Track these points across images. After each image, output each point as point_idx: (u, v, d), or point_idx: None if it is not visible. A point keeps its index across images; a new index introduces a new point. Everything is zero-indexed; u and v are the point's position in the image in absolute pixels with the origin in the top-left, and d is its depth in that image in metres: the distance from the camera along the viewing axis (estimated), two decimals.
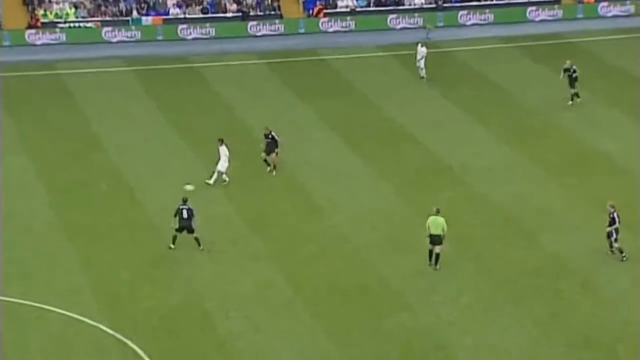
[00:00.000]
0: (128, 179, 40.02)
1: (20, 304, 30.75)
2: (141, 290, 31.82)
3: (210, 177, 38.85)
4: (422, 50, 51.27)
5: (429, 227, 32.76)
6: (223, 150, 39.02)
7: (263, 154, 40.09)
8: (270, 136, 40.19)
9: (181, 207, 33.88)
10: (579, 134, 44.58)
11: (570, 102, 46.93)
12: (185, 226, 33.82)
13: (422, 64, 51.00)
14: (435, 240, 32.67)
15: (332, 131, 44.92)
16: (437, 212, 32.89)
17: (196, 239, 34.13)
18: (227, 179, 39.01)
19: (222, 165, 38.88)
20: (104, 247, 34.55)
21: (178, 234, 34.02)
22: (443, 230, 32.57)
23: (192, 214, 33.87)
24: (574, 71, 46.55)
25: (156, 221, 36.18)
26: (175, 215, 33.86)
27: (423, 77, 51.14)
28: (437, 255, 32.84)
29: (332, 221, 36.64)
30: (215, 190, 38.63)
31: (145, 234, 35.52)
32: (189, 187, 35.10)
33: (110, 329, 29.51)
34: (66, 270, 32.94)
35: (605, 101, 48.38)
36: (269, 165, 40.03)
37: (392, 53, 56.70)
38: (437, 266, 32.91)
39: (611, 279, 32.31)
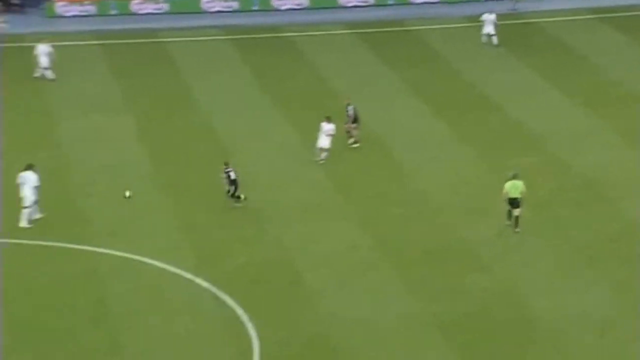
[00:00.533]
0: (223, 140, 40.58)
1: (124, 257, 31.62)
2: (234, 248, 32.41)
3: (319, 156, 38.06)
4: (490, 18, 51.12)
5: (507, 190, 32.69)
6: (329, 127, 37.71)
7: (346, 126, 39.60)
8: (349, 109, 39.45)
9: (226, 170, 34.28)
10: None
11: None
12: (231, 187, 34.14)
13: (491, 30, 50.94)
14: (514, 203, 32.60)
15: (417, 98, 44.85)
16: (515, 177, 32.78)
17: (237, 197, 34.28)
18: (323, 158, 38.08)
19: (324, 142, 37.82)
20: (200, 205, 35.18)
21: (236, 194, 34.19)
22: (521, 193, 32.48)
23: (236, 175, 34.13)
24: None
25: (248, 180, 36.67)
26: (226, 179, 34.20)
27: (497, 44, 50.74)
28: (517, 218, 32.77)
29: (416, 185, 36.73)
30: (305, 156, 38.93)
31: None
32: (128, 194, 34.64)
33: (207, 283, 30.15)
34: (165, 227, 33.71)
35: None
36: (350, 137, 39.51)
37: (478, 24, 56.03)
38: (518, 229, 32.81)
39: None
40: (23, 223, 33.13)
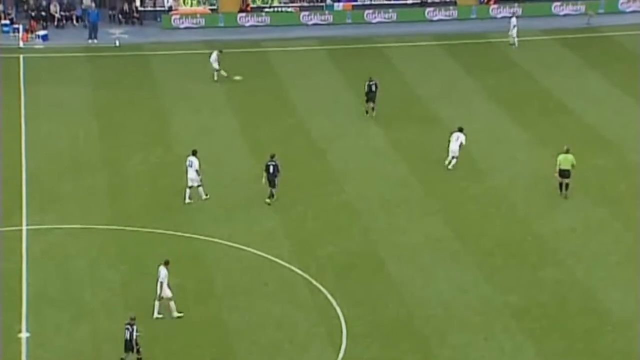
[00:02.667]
0: (316, 138, 40.23)
1: (226, 245, 31.47)
2: (325, 237, 32.00)
3: (449, 163, 36.93)
4: (512, 21, 51.46)
5: (560, 162, 33.39)
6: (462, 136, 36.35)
7: None
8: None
9: (268, 162, 33.57)
10: None
11: None
12: (270, 180, 33.37)
13: (514, 33, 50.94)
14: (565, 174, 33.46)
15: (497, 102, 43.75)
16: (567, 151, 33.62)
17: (272, 194, 33.40)
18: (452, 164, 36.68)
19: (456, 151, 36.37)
20: (295, 197, 34.85)
21: (270, 189, 33.47)
22: (572, 165, 33.38)
23: (277, 170, 33.38)
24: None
25: (338, 176, 36.25)
26: (265, 171, 33.50)
27: (513, 44, 50.53)
28: (567, 185, 33.45)
29: (494, 182, 35.79)
30: (391, 155, 38.30)
31: (329, 187, 35.66)
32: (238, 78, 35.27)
33: (300, 269, 29.81)
34: (264, 217, 33.43)
35: None
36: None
37: (554, 37, 54.68)
38: (567, 192, 33.41)
39: None
40: (186, 200, 33.81)
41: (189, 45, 53.27)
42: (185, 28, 57.01)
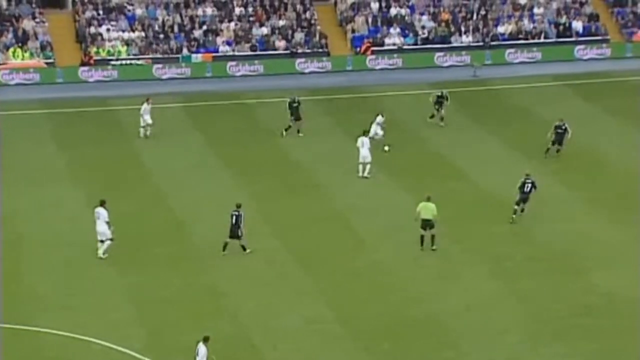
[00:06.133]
0: (175, 208, 40.07)
1: (68, 337, 30.71)
2: (187, 323, 31.68)
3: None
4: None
5: (419, 212, 35.37)
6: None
7: None
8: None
9: (232, 212, 35.01)
10: (629, 168, 43.96)
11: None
12: (233, 231, 34.95)
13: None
14: (427, 224, 35.27)
15: (378, 165, 44.55)
16: (428, 199, 35.55)
17: (242, 246, 35.37)
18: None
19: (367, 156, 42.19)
20: (150, 279, 34.48)
21: (229, 241, 35.07)
22: (433, 215, 35.17)
23: (240, 220, 34.93)
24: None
25: (202, 253, 36.12)
26: (230, 220, 35.17)
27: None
28: (432, 237, 35.48)
29: (378, 254, 36.35)
30: (261, 227, 38.51)
31: (191, 265, 35.46)
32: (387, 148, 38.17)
33: None
34: (113, 303, 32.89)
35: None
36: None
37: (439, 90, 56.48)
38: (434, 246, 35.38)
39: None
40: (101, 254, 35.39)
41: (22, 105, 52.44)
42: (17, 84, 56.18)
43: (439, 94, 49.57)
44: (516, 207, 38.70)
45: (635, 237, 37.32)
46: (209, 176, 44.13)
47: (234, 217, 35.33)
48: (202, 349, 27.79)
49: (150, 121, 47.83)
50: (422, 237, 35.97)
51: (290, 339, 30.70)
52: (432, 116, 49.63)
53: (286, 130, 48.43)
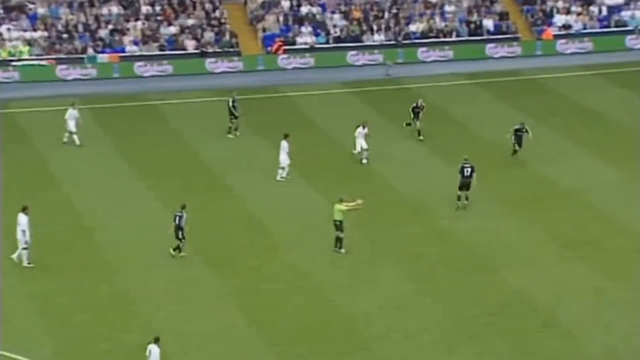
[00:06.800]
0: (83, 214, 39.91)
1: None
2: (97, 332, 31.64)
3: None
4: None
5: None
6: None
7: None
8: None
9: (176, 213, 35.88)
10: (540, 169, 45.14)
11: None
12: (175, 232, 35.76)
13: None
14: (335, 225, 36.20)
15: (293, 165, 44.99)
16: (341, 201, 36.27)
17: (178, 247, 35.74)
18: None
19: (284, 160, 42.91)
20: (57, 286, 34.33)
21: (176, 241, 35.91)
22: (339, 216, 35.91)
23: (180, 220, 35.62)
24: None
25: (110, 258, 36.09)
26: (173, 221, 35.76)
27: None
28: (338, 238, 36.33)
29: (290, 258, 36.73)
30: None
31: (99, 272, 35.40)
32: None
33: None
34: (18, 312, 32.68)
35: (564, 136, 49.10)
36: None
37: (352, 89, 57.20)
38: (342, 249, 36.42)
39: (575, 316, 32.62)
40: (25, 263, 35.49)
41: None
42: None
43: (415, 104, 48.75)
44: (459, 192, 40.29)
45: (546, 236, 38.40)
46: (117, 180, 44.00)
47: (177, 218, 35.86)
48: (154, 350, 27.93)
49: (73, 129, 47.21)
50: (335, 238, 36.65)
51: (203, 345, 30.89)
52: (409, 124, 48.76)
53: (234, 129, 48.67)
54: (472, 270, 35.76)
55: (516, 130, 45.79)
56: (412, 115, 48.84)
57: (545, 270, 35.46)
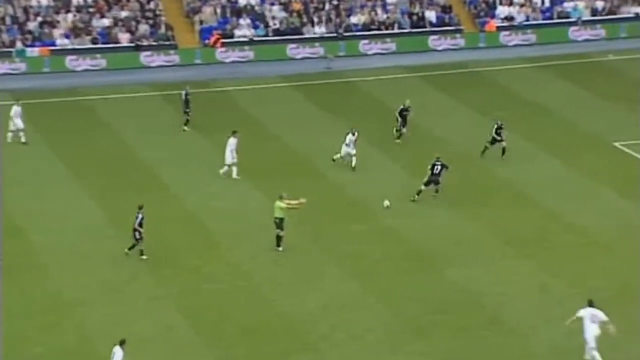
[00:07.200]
0: (14, 215, 39.31)
1: None
2: (31, 336, 31.18)
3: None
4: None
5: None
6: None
7: None
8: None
9: (137, 213, 35.49)
10: (485, 164, 45.38)
11: (397, 140, 47.08)
12: (133, 231, 35.56)
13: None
14: (275, 223, 36.21)
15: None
16: (281, 198, 36.19)
17: (132, 246, 35.50)
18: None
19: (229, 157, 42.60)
20: None
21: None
22: (279, 213, 35.95)
23: (137, 221, 35.36)
24: (407, 110, 46.45)
25: (43, 261, 35.57)
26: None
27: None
28: (278, 236, 36.28)
29: (231, 258, 36.52)
30: (108, 230, 38.18)
31: (32, 274, 34.89)
32: (387, 203, 36.21)
33: None
34: None
35: (508, 130, 49.39)
36: None
37: (293, 83, 57.08)
38: (279, 247, 36.28)
39: (520, 314, 32.83)
40: None
41: None
42: None
43: (402, 106, 47.49)
44: (423, 187, 40.71)
45: (490, 233, 38.61)
46: (50, 179, 43.43)
47: (136, 219, 35.61)
48: (118, 352, 27.83)
49: (21, 125, 46.64)
50: (275, 237, 36.57)
51: (140, 348, 30.55)
52: (399, 131, 47.28)
53: (184, 124, 48.73)
54: (416, 269, 35.84)
55: (497, 128, 45.44)
56: (398, 119, 47.44)
57: (490, 268, 35.67)
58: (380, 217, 39.80)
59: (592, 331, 29.31)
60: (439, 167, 40.73)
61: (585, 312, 29.55)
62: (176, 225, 39.02)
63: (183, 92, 49.25)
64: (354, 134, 44.40)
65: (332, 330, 31.84)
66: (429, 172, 40.74)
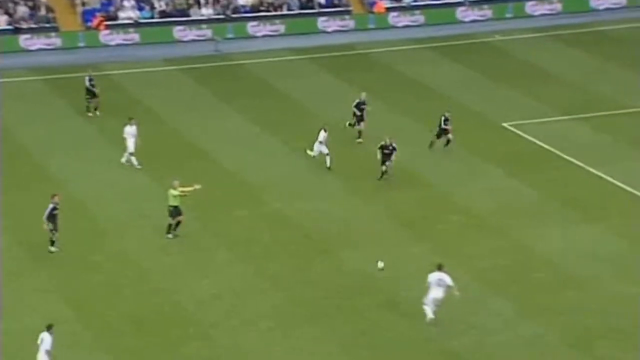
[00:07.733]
0: None
1: None
2: None
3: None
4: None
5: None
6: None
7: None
8: None
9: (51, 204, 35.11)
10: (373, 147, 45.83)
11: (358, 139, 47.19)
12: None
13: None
14: (169, 211, 36.42)
15: (119, 149, 44.20)
16: (173, 187, 36.33)
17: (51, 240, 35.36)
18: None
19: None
20: None
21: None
22: (173, 201, 36.21)
23: (47, 211, 35.05)
24: (365, 103, 45.98)
25: None
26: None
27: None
28: (170, 225, 36.49)
29: (120, 246, 36.19)
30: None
31: None
32: (380, 265, 33.60)
33: None
34: None
35: (398, 111, 50.03)
36: None
37: (180, 67, 56.67)
38: (169, 235, 36.53)
39: (414, 296, 33.30)
40: None
41: None
42: None
43: (359, 100, 45.88)
44: (383, 167, 41.52)
45: (384, 215, 39.04)
46: None
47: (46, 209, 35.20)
48: (47, 338, 27.74)
49: None
50: (168, 225, 36.42)
51: (26, 342, 30.07)
52: (352, 125, 45.72)
53: (94, 109, 48.28)
54: (309, 253, 36.05)
55: (445, 120, 45.31)
56: (356, 112, 45.73)
57: (384, 250, 36.05)
58: (270, 202, 39.89)
59: (434, 293, 30.91)
60: (390, 148, 41.41)
61: (433, 276, 30.97)
62: (60, 213, 38.39)
63: (87, 78, 48.58)
64: (325, 131, 43.10)
65: (224, 317, 31.87)
66: (379, 152, 41.35)
